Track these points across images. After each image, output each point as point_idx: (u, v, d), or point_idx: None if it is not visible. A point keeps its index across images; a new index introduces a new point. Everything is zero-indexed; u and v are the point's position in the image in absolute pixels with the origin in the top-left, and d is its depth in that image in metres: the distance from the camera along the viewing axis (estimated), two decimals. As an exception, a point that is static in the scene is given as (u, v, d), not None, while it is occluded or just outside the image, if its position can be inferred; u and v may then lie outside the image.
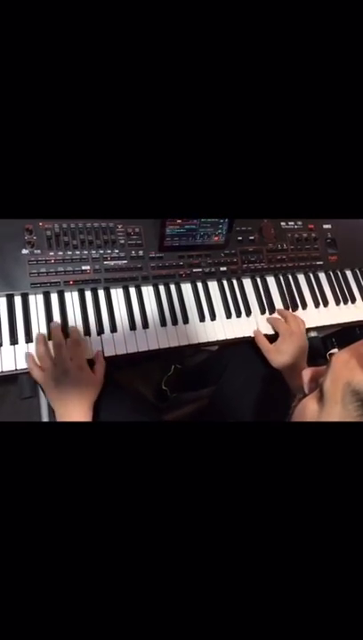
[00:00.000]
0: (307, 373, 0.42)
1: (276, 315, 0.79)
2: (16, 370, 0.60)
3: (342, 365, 0.34)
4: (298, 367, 0.71)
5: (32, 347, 0.61)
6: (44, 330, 0.63)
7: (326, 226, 0.89)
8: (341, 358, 0.35)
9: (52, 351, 0.60)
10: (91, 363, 0.63)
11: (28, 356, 0.60)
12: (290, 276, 0.84)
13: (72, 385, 0.59)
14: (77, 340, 0.62)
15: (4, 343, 0.60)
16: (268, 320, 0.78)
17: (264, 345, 0.74)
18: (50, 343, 0.61)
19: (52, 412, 0.76)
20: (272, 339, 0.76)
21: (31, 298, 0.64)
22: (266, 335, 0.76)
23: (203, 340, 0.73)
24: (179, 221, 0.71)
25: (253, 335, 0.76)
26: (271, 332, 0.77)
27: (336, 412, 0.33)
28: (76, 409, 0.59)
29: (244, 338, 0.76)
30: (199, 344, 0.72)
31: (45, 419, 1.10)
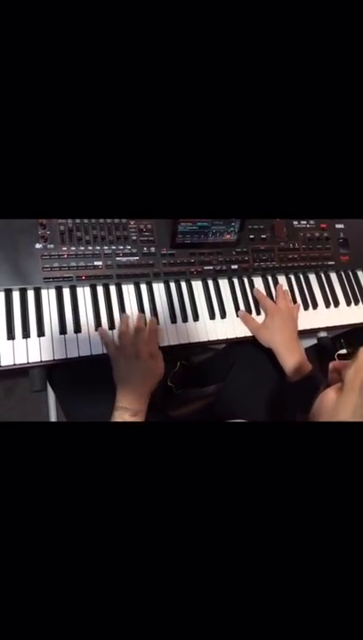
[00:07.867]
0: (333, 365, 0.43)
1: (262, 290, 0.79)
2: (28, 363, 0.60)
3: None
4: (289, 345, 0.71)
5: (44, 341, 0.62)
6: (55, 325, 0.63)
7: (338, 225, 0.88)
8: None
9: (132, 332, 0.64)
10: None
11: (101, 330, 0.65)
12: (301, 276, 0.84)
13: (139, 369, 0.62)
14: (156, 330, 0.66)
15: (16, 337, 0.61)
16: (254, 291, 0.78)
17: (251, 324, 0.75)
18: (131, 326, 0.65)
19: (59, 407, 0.77)
20: None
21: (44, 292, 0.65)
22: None
23: (212, 337, 0.73)
24: (191, 219, 0.70)
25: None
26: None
27: (352, 399, 0.35)
28: (134, 391, 0.60)
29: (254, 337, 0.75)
30: (209, 342, 0.72)
31: (53, 412, 1.12)
